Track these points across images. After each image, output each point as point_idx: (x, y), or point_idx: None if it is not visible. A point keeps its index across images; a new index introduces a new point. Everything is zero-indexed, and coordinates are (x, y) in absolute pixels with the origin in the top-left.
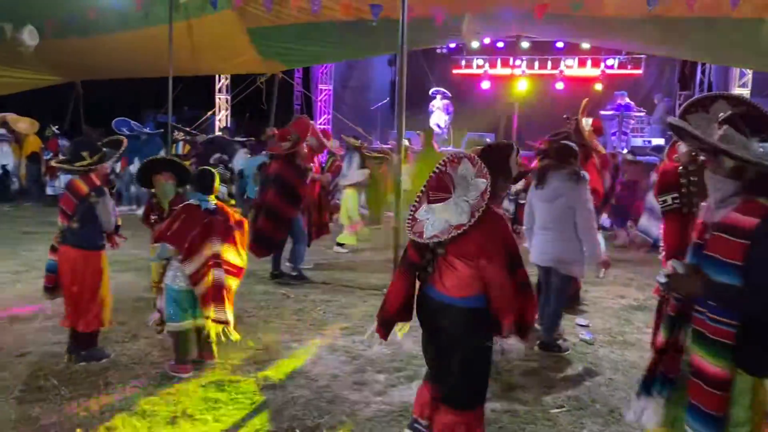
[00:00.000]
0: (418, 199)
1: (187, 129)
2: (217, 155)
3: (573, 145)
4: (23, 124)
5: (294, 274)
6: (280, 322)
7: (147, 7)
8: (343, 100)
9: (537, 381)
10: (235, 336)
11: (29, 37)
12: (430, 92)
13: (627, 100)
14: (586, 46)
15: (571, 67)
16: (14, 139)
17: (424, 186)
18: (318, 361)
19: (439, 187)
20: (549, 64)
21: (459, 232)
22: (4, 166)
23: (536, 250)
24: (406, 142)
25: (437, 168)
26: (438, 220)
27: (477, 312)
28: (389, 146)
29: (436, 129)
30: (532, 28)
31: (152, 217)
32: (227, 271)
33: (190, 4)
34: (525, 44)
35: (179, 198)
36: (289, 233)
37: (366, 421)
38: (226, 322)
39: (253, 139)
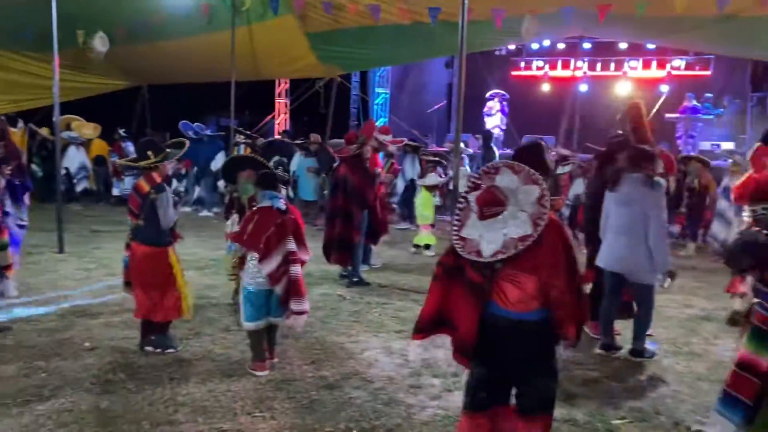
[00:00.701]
0: (459, 214)
1: (248, 132)
2: (276, 158)
3: (649, 149)
4: (87, 130)
5: (355, 279)
6: (336, 323)
7: (211, 14)
8: (399, 103)
9: (598, 390)
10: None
11: (100, 43)
12: (487, 95)
13: (694, 102)
14: (651, 46)
15: (635, 69)
16: (82, 143)
17: (464, 197)
18: (374, 363)
19: (490, 201)
20: (612, 65)
21: (527, 243)
22: (67, 168)
23: (607, 254)
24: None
25: (474, 181)
26: (495, 235)
27: (546, 324)
28: (445, 149)
29: (495, 132)
30: (594, 29)
31: (233, 212)
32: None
33: (252, 10)
34: (587, 45)
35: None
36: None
37: (422, 425)
38: (305, 312)
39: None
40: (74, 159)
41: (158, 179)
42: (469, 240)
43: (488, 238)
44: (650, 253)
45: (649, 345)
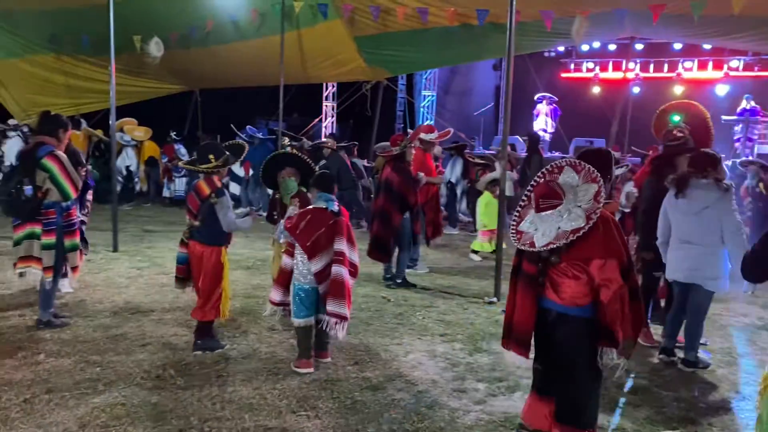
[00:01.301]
0: (519, 212)
1: (293, 134)
2: (322, 162)
3: (713, 152)
4: (138, 132)
5: (398, 281)
6: (380, 324)
7: (261, 19)
8: (445, 105)
9: (648, 399)
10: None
11: (155, 48)
12: (536, 97)
13: (753, 104)
14: (707, 46)
15: (690, 70)
16: (136, 144)
17: (527, 196)
18: (418, 365)
19: (548, 194)
20: (665, 66)
21: (577, 235)
22: (128, 167)
23: (676, 265)
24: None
25: (539, 177)
26: (549, 228)
27: (585, 321)
28: (492, 152)
29: (542, 134)
30: (647, 30)
31: (274, 214)
32: (349, 272)
33: (301, 15)
34: (639, 46)
35: (301, 195)
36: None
37: (466, 429)
38: (343, 317)
39: (356, 143)
40: (132, 160)
41: (219, 183)
42: (525, 233)
43: (542, 231)
44: (719, 260)
45: (702, 354)
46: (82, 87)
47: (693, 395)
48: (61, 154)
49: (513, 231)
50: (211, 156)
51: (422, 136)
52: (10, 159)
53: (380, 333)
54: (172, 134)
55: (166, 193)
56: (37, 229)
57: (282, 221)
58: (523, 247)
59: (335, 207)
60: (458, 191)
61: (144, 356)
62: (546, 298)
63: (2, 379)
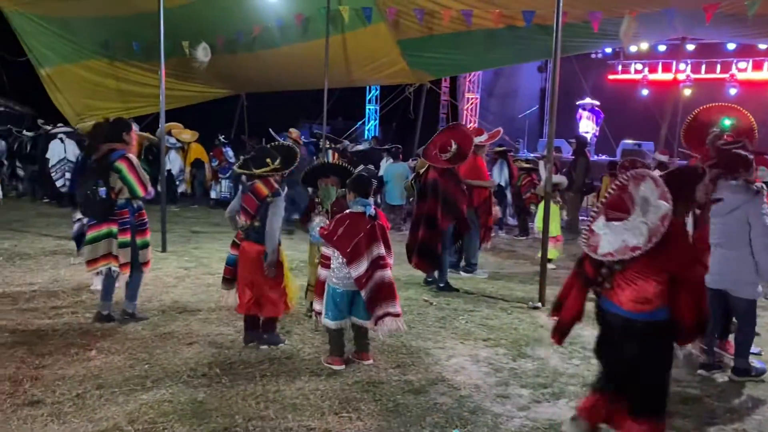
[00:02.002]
0: (596, 211)
1: (335, 137)
2: (361, 166)
3: (745, 153)
4: (186, 135)
5: (441, 285)
6: (422, 328)
7: (306, 23)
8: (488, 108)
9: (698, 410)
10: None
11: (203, 53)
12: (577, 103)
13: None
14: (762, 46)
15: (744, 71)
16: (181, 147)
17: (603, 200)
18: (460, 370)
19: (617, 206)
20: (718, 67)
21: (633, 255)
22: (169, 170)
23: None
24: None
25: (618, 183)
26: (615, 238)
27: (652, 326)
28: (537, 155)
29: (588, 137)
30: (699, 30)
31: (312, 216)
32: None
33: (346, 19)
34: (690, 46)
35: (339, 201)
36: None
37: None
38: (397, 315)
39: (400, 147)
40: (174, 163)
41: (275, 185)
42: (595, 234)
43: (608, 239)
44: (747, 265)
45: (756, 363)
46: (132, 91)
47: (747, 407)
48: (131, 156)
49: (586, 227)
50: (268, 159)
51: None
52: (53, 160)
53: (422, 336)
54: (221, 137)
55: (212, 194)
56: (114, 228)
57: (315, 221)
58: (586, 250)
59: (372, 211)
60: (508, 194)
61: (190, 354)
62: (611, 302)
63: (56, 374)
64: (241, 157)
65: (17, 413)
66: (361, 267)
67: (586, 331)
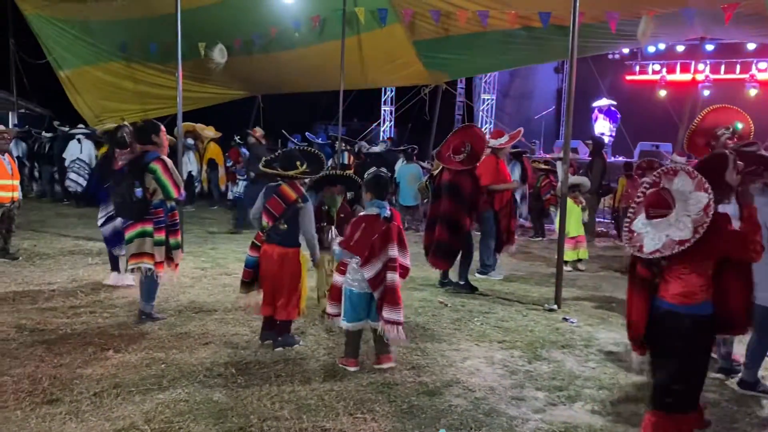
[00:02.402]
0: (633, 209)
1: (350, 139)
2: (373, 168)
3: (765, 153)
4: (209, 132)
5: (461, 283)
6: (437, 329)
7: (322, 24)
8: (504, 109)
9: (718, 414)
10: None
11: (219, 54)
12: (593, 105)
13: None
14: None
15: (765, 71)
16: (197, 149)
17: (642, 195)
18: (475, 372)
19: (657, 204)
20: (738, 68)
21: (682, 248)
22: (189, 173)
23: None
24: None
25: (652, 180)
26: (658, 234)
27: (697, 320)
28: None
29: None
30: (718, 30)
31: (322, 224)
32: (400, 274)
33: (362, 20)
34: (709, 47)
35: (344, 207)
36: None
37: None
38: (398, 323)
39: (416, 147)
40: (193, 164)
41: (302, 189)
42: (636, 234)
43: (651, 236)
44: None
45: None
46: (150, 93)
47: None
48: (166, 158)
49: (626, 228)
50: (298, 162)
51: (491, 142)
52: (69, 159)
53: (437, 338)
54: (237, 138)
55: (229, 195)
56: (149, 227)
57: (334, 239)
58: (632, 251)
59: (387, 212)
60: (518, 196)
61: (206, 354)
62: (660, 298)
63: (74, 373)
64: (264, 158)
65: (36, 411)
66: (375, 268)
67: (602, 334)
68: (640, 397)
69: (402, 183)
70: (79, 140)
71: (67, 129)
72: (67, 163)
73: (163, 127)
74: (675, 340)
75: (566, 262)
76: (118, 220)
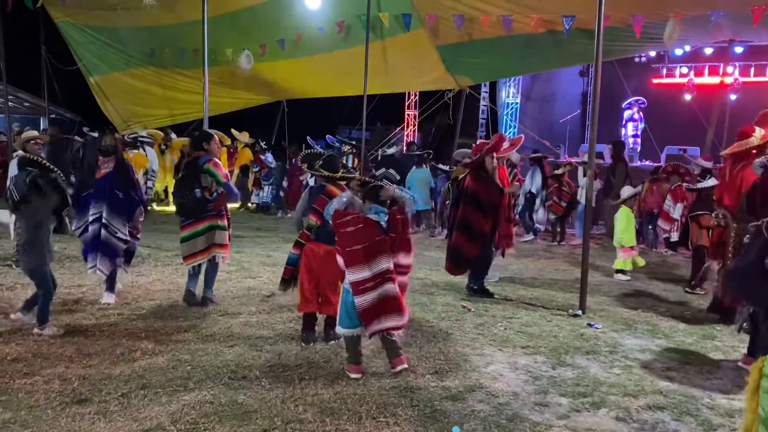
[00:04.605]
0: None
1: (350, 143)
2: (381, 170)
3: None
4: (244, 137)
5: (474, 288)
6: (460, 334)
7: (346, 30)
8: (525, 112)
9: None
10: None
11: (245, 60)
12: (624, 104)
13: None
14: None
15: None
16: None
17: None
18: (498, 377)
19: None
20: None
21: None
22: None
23: None
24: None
25: None
26: None
27: None
28: (576, 159)
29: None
30: (746, 32)
31: None
32: (401, 272)
33: (386, 25)
34: (738, 49)
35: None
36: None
37: None
38: (396, 328)
39: (431, 152)
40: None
41: (345, 188)
42: None
43: None
44: None
45: None
46: (177, 98)
47: None
48: (216, 160)
49: None
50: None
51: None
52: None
53: (460, 343)
54: (262, 144)
55: (254, 199)
56: (214, 222)
57: (341, 197)
58: None
59: (384, 220)
60: (537, 201)
61: (231, 357)
62: None
63: (102, 373)
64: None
65: (66, 411)
66: (359, 274)
67: (628, 340)
68: (666, 405)
69: (412, 187)
70: (143, 149)
71: (96, 135)
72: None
73: (215, 136)
74: None
75: (624, 272)
76: (92, 228)
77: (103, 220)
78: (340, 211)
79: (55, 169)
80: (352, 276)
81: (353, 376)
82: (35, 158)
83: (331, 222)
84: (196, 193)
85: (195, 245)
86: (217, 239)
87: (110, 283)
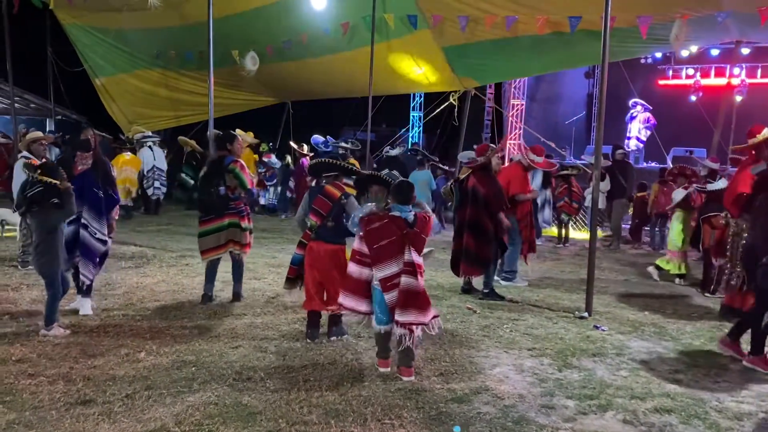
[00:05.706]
0: None
1: (347, 146)
2: (385, 171)
3: None
4: (249, 137)
5: (486, 291)
6: (466, 336)
7: (351, 31)
8: (530, 113)
9: (751, 426)
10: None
11: (251, 62)
12: (630, 103)
13: None
14: None
15: None
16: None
17: None
18: (504, 379)
19: None
20: None
21: None
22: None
23: None
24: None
25: None
26: None
27: None
28: (582, 161)
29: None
30: (754, 33)
31: None
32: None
33: (391, 26)
34: (745, 50)
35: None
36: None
37: None
38: (417, 324)
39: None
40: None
41: (344, 187)
42: None
43: None
44: None
45: None
46: (182, 100)
47: None
48: (242, 162)
49: None
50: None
51: (532, 157)
52: (147, 167)
53: (466, 345)
54: (269, 145)
55: (261, 200)
56: (236, 219)
57: (363, 208)
58: None
59: (411, 216)
60: (539, 201)
61: (236, 358)
62: None
63: (107, 374)
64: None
65: (70, 411)
66: (387, 270)
67: (634, 343)
68: (674, 408)
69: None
70: (150, 147)
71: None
72: (145, 172)
73: (238, 137)
74: None
75: (659, 269)
76: (68, 229)
77: (83, 221)
78: (364, 219)
79: (59, 170)
80: (380, 273)
81: (381, 369)
82: (37, 162)
83: (361, 233)
84: (219, 190)
85: (214, 240)
86: (237, 237)
87: (88, 289)
